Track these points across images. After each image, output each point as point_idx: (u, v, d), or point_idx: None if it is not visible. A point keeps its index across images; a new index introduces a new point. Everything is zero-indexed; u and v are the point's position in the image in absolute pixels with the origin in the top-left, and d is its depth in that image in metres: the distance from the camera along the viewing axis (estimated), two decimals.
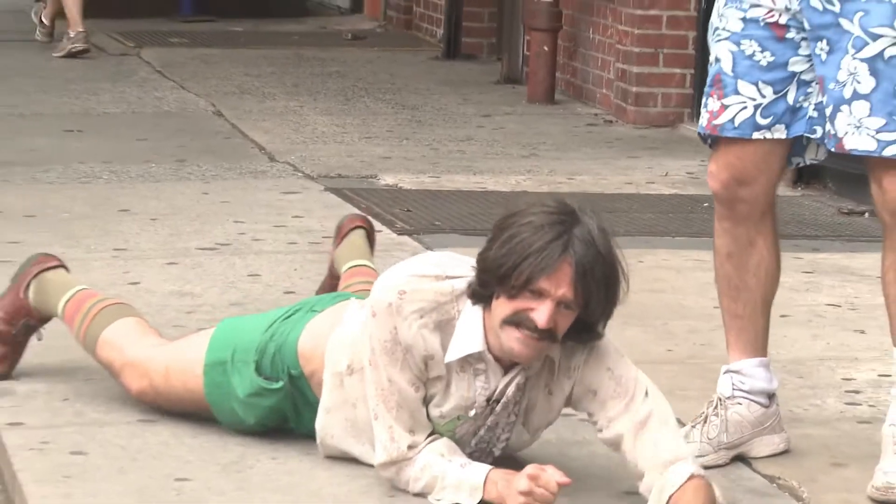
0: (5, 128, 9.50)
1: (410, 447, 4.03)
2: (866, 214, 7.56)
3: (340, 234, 5.45)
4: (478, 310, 4.03)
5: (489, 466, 4.00)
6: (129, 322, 4.83)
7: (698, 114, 9.74)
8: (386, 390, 4.04)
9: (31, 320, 5.01)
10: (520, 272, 3.89)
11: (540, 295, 3.90)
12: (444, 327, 4.05)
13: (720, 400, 4.55)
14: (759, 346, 4.64)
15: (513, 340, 3.96)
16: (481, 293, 4.00)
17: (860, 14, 4.15)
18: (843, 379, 5.44)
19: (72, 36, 13.14)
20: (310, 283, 6.32)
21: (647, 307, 5.37)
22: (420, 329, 4.03)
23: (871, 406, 5.14)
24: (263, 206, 7.70)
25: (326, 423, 4.27)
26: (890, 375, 5.29)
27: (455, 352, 4.04)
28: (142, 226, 7.25)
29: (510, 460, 4.24)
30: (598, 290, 3.94)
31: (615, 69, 10.22)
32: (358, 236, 5.41)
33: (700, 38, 9.82)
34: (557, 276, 3.88)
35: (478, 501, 3.94)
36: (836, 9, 4.19)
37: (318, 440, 4.31)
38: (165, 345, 4.77)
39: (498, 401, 4.12)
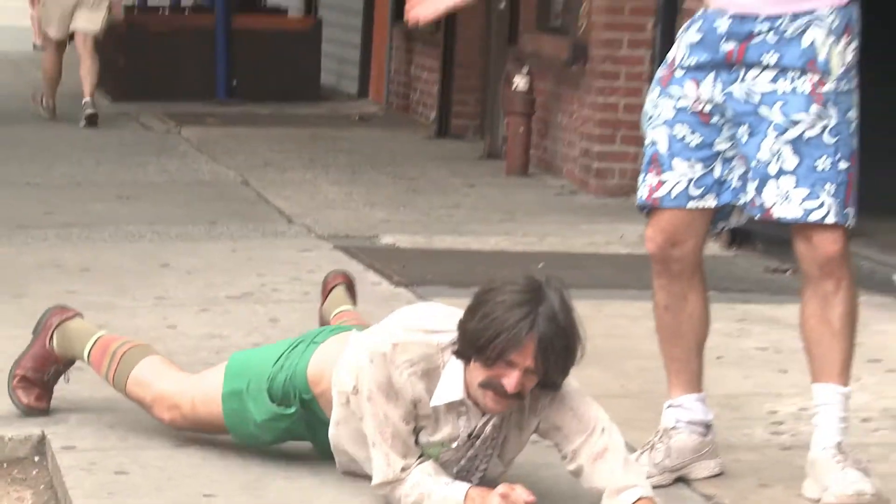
0: (66, 195, 9.52)
1: (403, 469, 4.02)
2: (789, 272, 7.56)
3: (325, 291, 5.46)
4: (460, 362, 4.02)
5: (469, 484, 4.01)
6: (153, 360, 4.81)
7: None
8: (382, 423, 4.03)
9: (59, 366, 4.98)
10: (493, 346, 3.90)
11: (509, 365, 3.90)
12: (431, 375, 4.06)
13: (665, 430, 4.53)
14: (696, 384, 4.61)
15: (487, 400, 3.99)
16: (462, 355, 4.00)
17: (779, 103, 4.20)
18: (769, 412, 5.43)
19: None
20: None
21: (605, 349, 5.37)
22: (409, 377, 4.04)
23: (792, 436, 5.11)
24: (282, 262, 7.72)
25: (338, 433, 4.27)
26: (807, 409, 5.32)
27: (439, 399, 4.06)
28: (179, 278, 7.27)
29: (487, 480, 4.23)
30: (558, 359, 3.95)
31: (580, 148, 10.23)
32: (340, 290, 5.41)
33: None
34: (524, 351, 3.89)
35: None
36: (756, 100, 4.24)
37: (332, 447, 4.32)
38: (188, 378, 4.73)
39: (478, 437, 4.12)
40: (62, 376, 5.01)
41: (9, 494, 4.63)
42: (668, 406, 4.61)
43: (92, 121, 13.33)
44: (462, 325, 4.00)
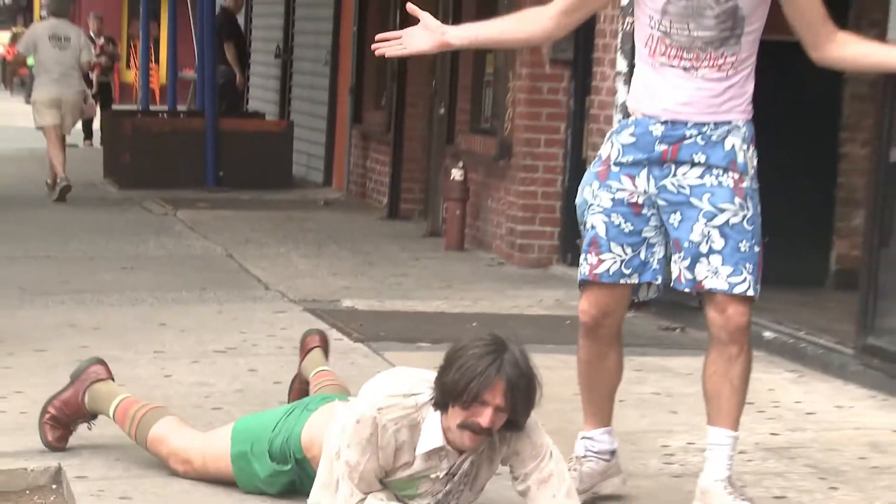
0: (79, 266, 9.51)
1: (360, 501, 4.06)
2: (677, 330, 7.62)
3: (304, 350, 5.42)
4: (437, 414, 4.05)
5: None
6: (168, 420, 4.83)
7: (563, 259, 9.81)
8: (353, 469, 4.06)
9: (84, 419, 5.03)
10: (469, 391, 3.93)
11: (483, 404, 3.94)
12: (413, 428, 4.09)
13: (577, 458, 4.61)
14: (606, 420, 4.67)
15: (465, 439, 4.03)
16: (441, 405, 4.03)
17: (708, 195, 4.29)
18: (662, 446, 5.49)
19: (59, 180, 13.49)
20: (291, 374, 6.35)
21: None
22: (395, 433, 4.08)
23: (681, 465, 5.21)
24: (260, 321, 7.74)
25: (316, 493, 4.21)
26: (694, 443, 5.38)
27: (423, 447, 4.09)
28: (174, 335, 7.29)
29: None
30: (523, 398, 3.99)
31: (505, 227, 10.27)
32: (317, 353, 5.37)
33: (564, 208, 9.89)
34: (494, 390, 3.93)
35: None
36: (687, 192, 4.33)
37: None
38: (198, 436, 4.77)
39: (455, 473, 4.15)
40: (87, 423, 5.04)
41: None
42: (582, 437, 4.65)
43: (65, 192, 13.46)
44: (439, 380, 4.04)
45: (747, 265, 4.29)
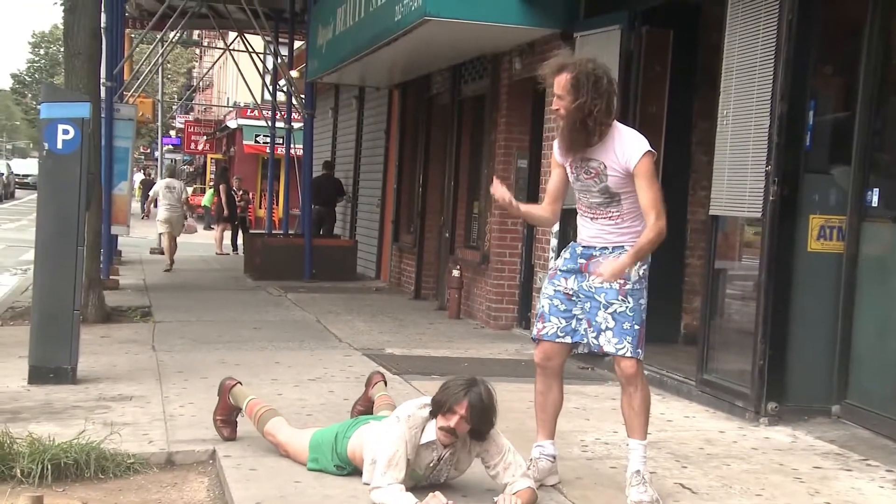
0: (229, 326, 9.47)
1: (389, 485, 3.97)
2: (589, 369, 7.56)
3: (370, 383, 5.28)
4: (433, 421, 4.07)
5: (416, 499, 3.91)
6: (277, 420, 4.78)
7: (520, 325, 9.77)
8: (394, 457, 4.01)
9: (237, 411, 4.97)
10: (446, 404, 4.00)
11: (453, 413, 3.98)
12: (420, 430, 4.09)
13: (533, 459, 4.45)
14: (551, 434, 4.52)
15: (441, 436, 4.06)
16: (433, 413, 4.05)
17: (604, 294, 4.21)
18: (580, 440, 5.38)
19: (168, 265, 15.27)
20: (355, 394, 6.19)
21: (501, 409, 5.32)
22: (413, 430, 4.07)
23: (592, 453, 5.09)
24: (336, 361, 7.64)
25: (367, 473, 4.17)
26: (600, 439, 5.28)
27: (425, 438, 4.08)
28: (284, 369, 7.20)
29: (449, 480, 4.26)
30: (480, 415, 4.00)
31: (485, 305, 10.23)
32: (380, 385, 5.25)
33: (520, 294, 9.88)
34: (461, 405, 3.98)
35: None
36: (593, 291, 4.25)
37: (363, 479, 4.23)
38: (293, 435, 4.67)
39: (441, 459, 4.14)
40: (238, 414, 4.98)
41: (196, 479, 4.61)
42: (536, 445, 4.50)
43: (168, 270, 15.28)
44: (433, 400, 4.07)
45: (628, 337, 4.18)
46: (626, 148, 4.14)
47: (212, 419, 5.03)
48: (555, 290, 4.35)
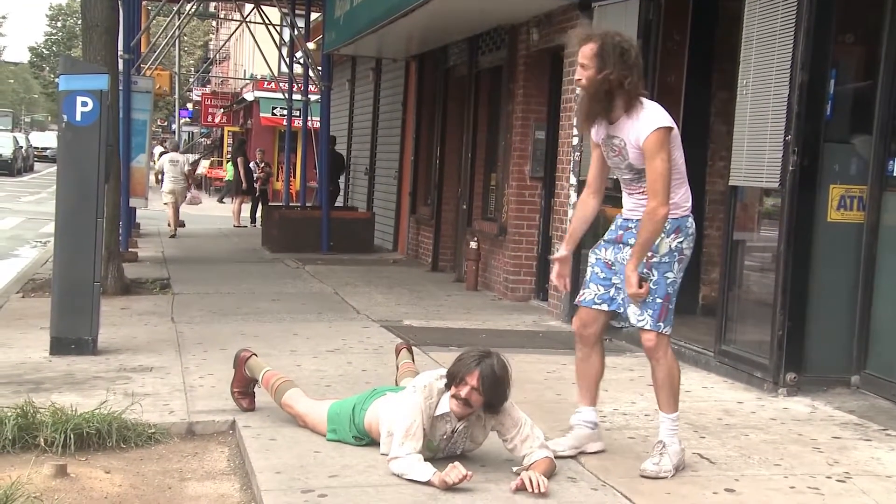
0: (247, 298, 9.48)
1: (407, 454, 3.99)
2: (607, 340, 7.53)
3: (397, 351, 5.35)
4: (448, 393, 4.06)
5: (434, 469, 3.92)
6: (294, 391, 4.80)
7: (537, 297, 9.76)
8: (411, 427, 4.02)
9: (254, 383, 5.00)
10: (458, 374, 4.00)
11: (465, 383, 3.97)
12: (436, 400, 4.09)
13: (571, 426, 4.45)
14: (592, 401, 4.48)
15: (455, 406, 4.04)
16: (448, 384, 4.06)
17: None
18: (599, 410, 5.34)
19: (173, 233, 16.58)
20: (373, 365, 6.31)
21: (517, 380, 5.34)
22: (428, 400, 4.08)
23: (610, 422, 5.03)
24: (354, 333, 7.66)
25: (384, 444, 4.19)
26: (618, 409, 5.26)
27: (440, 410, 4.08)
28: (302, 341, 7.21)
29: (466, 451, 4.26)
30: (492, 387, 3.98)
31: (502, 277, 10.23)
32: (405, 352, 5.30)
33: (538, 266, 9.87)
34: (472, 375, 3.97)
35: (428, 479, 3.88)
36: (624, 263, 4.20)
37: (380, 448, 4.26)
38: (311, 406, 4.69)
39: (455, 431, 4.14)
40: (255, 385, 4.99)
41: (216, 449, 4.65)
42: (576, 412, 4.48)
43: (181, 225, 17.44)
44: (448, 371, 4.07)
45: (649, 310, 4.14)
46: (640, 124, 4.08)
47: (229, 391, 5.07)
48: (596, 259, 4.35)
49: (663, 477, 4.12)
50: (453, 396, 4.02)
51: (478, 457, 4.28)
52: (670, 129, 4.08)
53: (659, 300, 4.15)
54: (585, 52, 4.10)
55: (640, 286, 4.12)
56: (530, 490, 3.80)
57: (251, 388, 5.01)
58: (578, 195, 8.39)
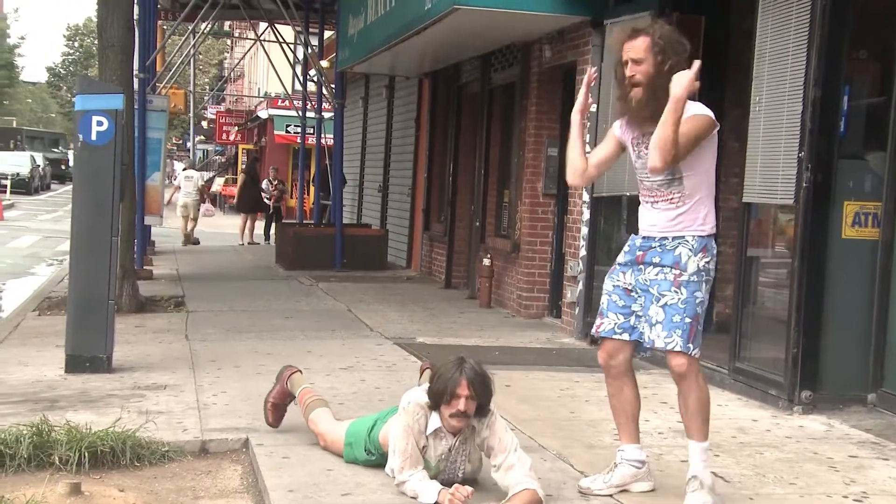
0: (261, 315, 9.47)
1: (409, 475, 3.99)
2: None
3: (421, 370, 5.25)
4: (435, 413, 4.03)
5: (440, 486, 3.92)
6: (321, 410, 4.76)
7: (550, 314, 9.74)
8: (406, 450, 4.02)
9: (291, 398, 4.96)
10: (447, 392, 3.93)
11: (458, 397, 3.91)
12: (424, 417, 4.05)
13: (615, 464, 4.20)
14: (634, 437, 4.21)
15: (454, 421, 3.98)
16: (434, 406, 4.02)
17: (657, 286, 3.96)
18: (612, 428, 5.22)
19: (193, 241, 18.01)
20: (386, 383, 6.29)
21: (529, 396, 5.32)
22: (416, 418, 4.04)
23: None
24: (367, 350, 7.65)
25: (389, 463, 4.15)
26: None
27: (431, 427, 4.04)
28: (315, 358, 7.17)
29: (468, 475, 4.18)
30: (481, 387, 3.94)
31: (516, 294, 10.19)
32: (427, 372, 5.11)
33: (551, 283, 9.85)
34: (462, 386, 3.92)
35: (434, 500, 3.86)
36: (648, 284, 3.99)
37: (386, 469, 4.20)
38: (332, 426, 4.64)
39: (451, 449, 4.08)
40: (292, 402, 4.96)
41: (229, 467, 4.65)
42: (619, 450, 4.23)
43: (195, 243, 18.51)
44: (429, 392, 4.01)
45: (677, 331, 3.90)
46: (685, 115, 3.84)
47: (263, 401, 5.03)
48: (613, 286, 4.12)
49: None
50: (450, 415, 3.95)
51: (481, 485, 4.23)
52: (714, 122, 3.90)
53: (689, 320, 3.93)
54: (638, 47, 3.90)
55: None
56: None
57: (287, 403, 4.97)
58: (591, 212, 8.44)
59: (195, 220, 19.06)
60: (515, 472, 3.91)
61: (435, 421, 4.00)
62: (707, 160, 3.99)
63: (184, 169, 21.31)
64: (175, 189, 20.06)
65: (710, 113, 3.93)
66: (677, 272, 3.94)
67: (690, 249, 3.95)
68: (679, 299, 3.94)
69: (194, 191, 19.04)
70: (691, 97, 3.91)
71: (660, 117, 3.83)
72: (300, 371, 5.03)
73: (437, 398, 3.95)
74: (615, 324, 4.09)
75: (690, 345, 3.94)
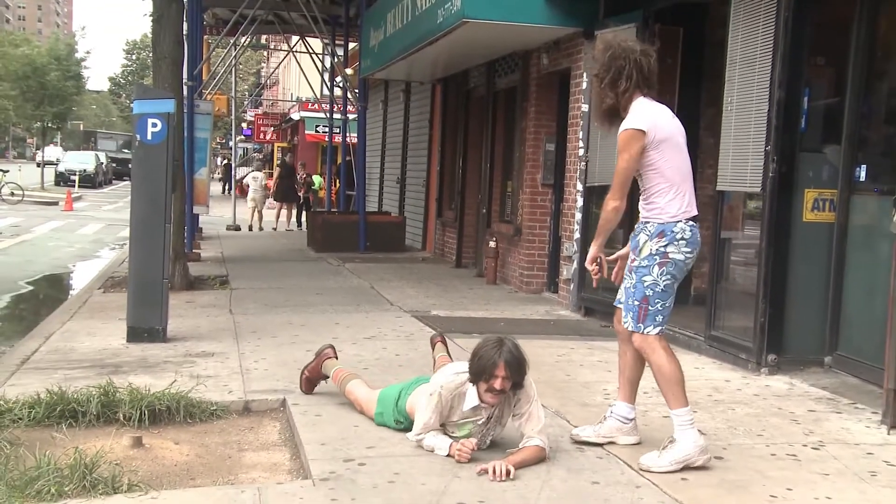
0: (294, 292, 9.46)
1: (428, 430, 3.99)
2: (611, 327, 7.49)
3: (433, 342, 5.24)
4: (472, 387, 3.95)
5: (451, 440, 3.93)
6: (356, 381, 4.73)
7: (548, 289, 9.73)
8: (428, 423, 4.00)
9: (322, 378, 4.96)
10: (486, 371, 3.85)
11: (494, 377, 3.84)
12: (460, 396, 3.98)
13: (604, 416, 4.19)
14: (629, 397, 4.16)
15: (489, 398, 3.91)
16: (473, 381, 3.93)
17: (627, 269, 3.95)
18: (603, 389, 5.31)
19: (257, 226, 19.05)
20: (405, 350, 6.30)
21: (531, 363, 5.33)
22: (450, 395, 3.98)
23: (614, 399, 4.99)
24: (388, 322, 7.65)
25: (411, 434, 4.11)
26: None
27: (468, 405, 3.97)
28: (342, 329, 7.21)
29: (495, 438, 4.15)
30: (516, 368, 3.86)
31: (518, 272, 10.18)
32: (440, 345, 5.18)
33: (549, 262, 9.85)
34: (500, 367, 3.83)
35: (447, 452, 3.88)
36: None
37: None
38: (366, 393, 4.60)
39: (490, 418, 4.01)
40: (324, 381, 4.96)
41: (269, 424, 4.67)
42: (610, 405, 4.23)
43: (239, 229, 18.82)
44: (470, 367, 3.93)
45: (630, 312, 3.91)
46: (622, 124, 3.84)
47: (299, 371, 5.05)
48: (626, 264, 4.07)
49: (655, 472, 3.77)
50: (487, 391, 3.85)
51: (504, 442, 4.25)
52: (641, 131, 3.78)
53: (636, 303, 3.88)
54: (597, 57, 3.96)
55: (593, 263, 3.94)
56: (492, 477, 3.64)
57: (318, 381, 4.98)
58: (584, 200, 8.42)
59: (261, 212, 19.90)
60: (532, 424, 3.90)
61: (472, 398, 3.92)
62: (656, 160, 3.83)
63: (251, 171, 22.40)
64: (243, 185, 21.42)
65: (638, 122, 3.80)
66: (633, 257, 3.93)
67: (648, 235, 3.88)
68: (631, 283, 3.92)
69: (260, 188, 20.33)
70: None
71: (606, 118, 3.94)
72: (336, 357, 5.02)
73: (477, 376, 3.87)
74: (619, 295, 4.10)
75: (640, 325, 3.88)
